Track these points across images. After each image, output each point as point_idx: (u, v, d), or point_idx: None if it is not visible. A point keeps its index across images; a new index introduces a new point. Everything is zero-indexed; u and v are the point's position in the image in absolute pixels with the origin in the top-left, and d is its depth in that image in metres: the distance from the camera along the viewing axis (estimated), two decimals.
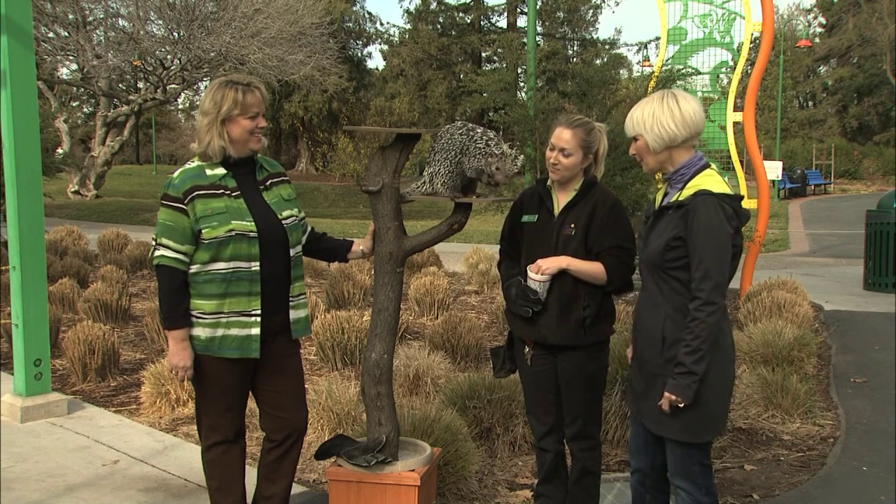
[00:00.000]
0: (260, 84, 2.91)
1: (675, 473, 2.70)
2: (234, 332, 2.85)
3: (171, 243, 2.81)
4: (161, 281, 2.85)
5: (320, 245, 3.24)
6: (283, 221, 2.93)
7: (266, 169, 3.00)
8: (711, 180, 2.59)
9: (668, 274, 2.60)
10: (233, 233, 2.79)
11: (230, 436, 2.99)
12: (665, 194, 2.73)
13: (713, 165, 2.68)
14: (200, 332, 2.85)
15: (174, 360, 2.86)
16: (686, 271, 2.55)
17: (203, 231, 2.79)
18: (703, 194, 2.53)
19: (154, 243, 2.85)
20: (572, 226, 3.03)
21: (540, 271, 2.99)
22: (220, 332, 2.84)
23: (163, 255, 2.81)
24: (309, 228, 3.20)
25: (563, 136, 3.02)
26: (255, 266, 2.84)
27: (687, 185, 2.61)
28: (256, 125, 2.86)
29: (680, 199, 2.59)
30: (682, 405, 2.53)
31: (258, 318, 2.87)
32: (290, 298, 2.99)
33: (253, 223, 2.83)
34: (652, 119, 2.62)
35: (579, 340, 3.02)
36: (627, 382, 2.83)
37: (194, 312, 2.85)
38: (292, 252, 2.98)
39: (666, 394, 2.55)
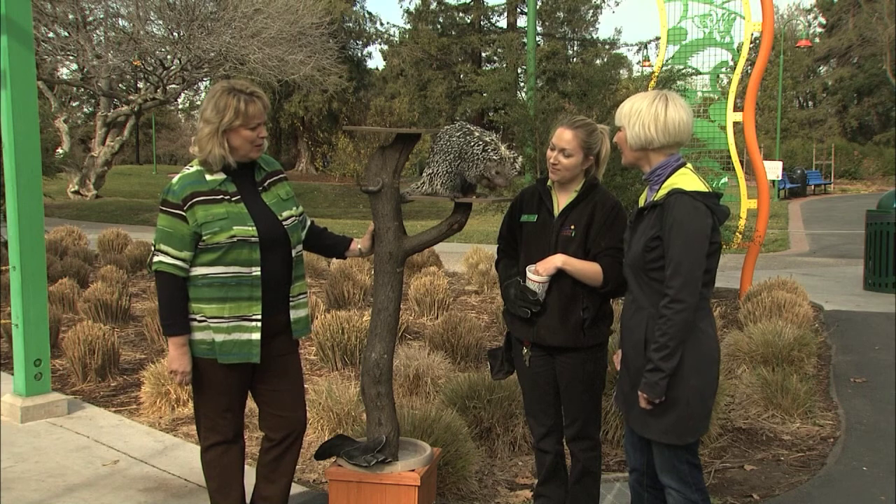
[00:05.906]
0: (262, 94, 2.90)
1: (664, 472, 2.71)
2: (234, 336, 2.85)
3: (169, 249, 2.82)
4: (160, 287, 2.87)
5: (320, 241, 3.24)
6: (284, 222, 2.93)
7: (264, 168, 3.00)
8: (685, 179, 2.61)
9: (648, 276, 2.61)
10: (234, 238, 2.80)
11: (229, 436, 2.99)
12: (646, 197, 2.75)
13: (689, 165, 2.70)
14: (202, 335, 2.85)
15: (174, 366, 2.88)
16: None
17: (205, 236, 2.80)
18: (675, 193, 2.56)
19: (153, 249, 2.87)
20: (572, 227, 3.02)
21: (537, 273, 2.99)
22: (221, 337, 2.84)
23: (161, 262, 2.83)
24: (309, 223, 3.21)
25: (564, 136, 3.02)
26: (256, 271, 2.85)
27: (663, 185, 2.64)
28: (258, 135, 2.86)
29: (656, 199, 2.62)
30: (657, 402, 2.55)
31: (258, 323, 2.87)
32: (291, 298, 2.99)
33: (254, 228, 2.84)
34: (636, 117, 2.64)
35: (578, 342, 3.02)
36: (618, 385, 2.83)
37: (196, 316, 2.85)
38: (293, 252, 2.99)
39: (640, 392, 2.58)
